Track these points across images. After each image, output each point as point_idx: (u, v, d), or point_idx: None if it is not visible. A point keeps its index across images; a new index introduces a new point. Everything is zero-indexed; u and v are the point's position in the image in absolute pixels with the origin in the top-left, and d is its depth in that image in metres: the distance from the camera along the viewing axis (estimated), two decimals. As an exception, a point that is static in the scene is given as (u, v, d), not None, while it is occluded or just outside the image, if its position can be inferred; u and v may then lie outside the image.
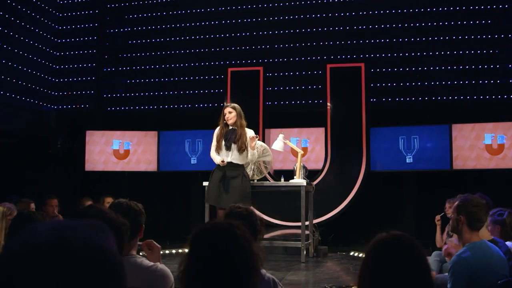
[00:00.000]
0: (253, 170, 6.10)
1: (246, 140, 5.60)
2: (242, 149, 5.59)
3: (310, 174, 6.90)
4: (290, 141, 7.26)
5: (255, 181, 6.16)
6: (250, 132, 5.70)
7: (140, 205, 2.62)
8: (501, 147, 7.65)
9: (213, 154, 5.76)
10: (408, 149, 8.01)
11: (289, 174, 6.56)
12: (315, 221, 6.95)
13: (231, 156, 5.63)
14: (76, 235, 0.73)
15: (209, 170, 8.01)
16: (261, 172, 6.20)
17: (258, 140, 5.88)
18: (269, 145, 6.77)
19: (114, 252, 0.77)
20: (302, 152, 6.32)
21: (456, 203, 3.40)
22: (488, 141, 7.68)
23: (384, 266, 1.47)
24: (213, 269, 1.40)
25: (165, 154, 8.82)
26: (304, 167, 6.27)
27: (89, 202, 6.36)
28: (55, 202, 6.06)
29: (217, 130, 5.76)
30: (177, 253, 6.82)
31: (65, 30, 9.74)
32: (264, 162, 6.27)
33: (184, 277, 1.44)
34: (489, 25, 8.18)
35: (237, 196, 5.46)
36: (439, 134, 7.87)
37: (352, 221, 7.74)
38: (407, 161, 8.01)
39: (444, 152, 7.82)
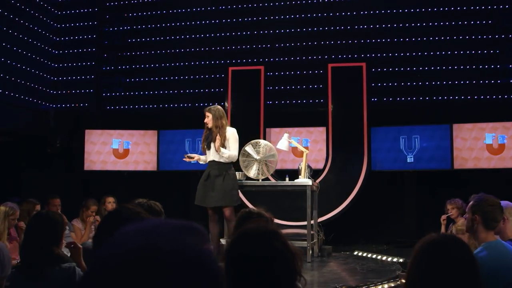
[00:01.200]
0: (258, 170, 6.07)
1: (224, 140, 5.64)
2: (219, 148, 5.66)
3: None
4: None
5: (260, 180, 6.14)
6: (230, 130, 5.75)
7: (159, 205, 2.60)
8: (501, 147, 7.67)
9: None
10: (409, 148, 8.02)
11: (292, 174, 6.53)
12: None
13: (212, 155, 5.74)
14: (171, 244, 0.67)
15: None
16: (265, 172, 6.16)
17: (261, 139, 5.87)
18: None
19: (213, 261, 0.71)
20: (308, 151, 6.30)
21: (471, 202, 3.39)
22: (489, 141, 7.71)
23: (434, 266, 1.45)
24: (252, 277, 1.36)
25: (165, 154, 8.77)
26: (309, 166, 6.25)
27: (94, 207, 6.33)
28: (58, 201, 6.01)
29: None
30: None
31: (64, 28, 9.66)
32: (266, 161, 6.23)
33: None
34: (490, 25, 8.21)
35: (219, 195, 5.55)
36: (440, 133, 7.89)
37: (352, 221, 7.73)
38: (408, 161, 8.02)
39: (445, 152, 7.84)
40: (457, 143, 7.79)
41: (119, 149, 8.76)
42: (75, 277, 2.49)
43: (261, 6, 9.04)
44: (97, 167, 8.69)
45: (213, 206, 5.66)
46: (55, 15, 9.63)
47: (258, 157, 6.05)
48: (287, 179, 6.23)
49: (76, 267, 2.53)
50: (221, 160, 5.69)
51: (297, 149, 7.84)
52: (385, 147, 8.07)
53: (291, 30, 8.91)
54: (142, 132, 8.78)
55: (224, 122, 5.67)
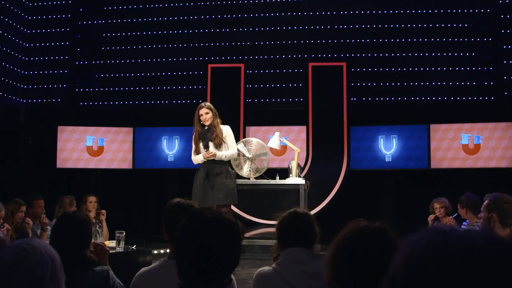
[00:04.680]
0: (250, 168, 6.00)
1: (222, 137, 5.49)
2: (219, 145, 5.47)
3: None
4: (269, 139, 7.18)
5: (251, 179, 6.06)
6: (225, 128, 5.61)
7: (198, 204, 2.50)
8: (477, 147, 7.90)
9: (193, 157, 5.59)
10: (387, 148, 8.13)
11: (272, 172, 6.47)
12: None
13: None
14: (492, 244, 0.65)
15: (186, 168, 7.87)
16: (257, 171, 6.09)
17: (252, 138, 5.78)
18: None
19: None
20: (299, 150, 6.28)
21: (486, 201, 3.45)
22: (465, 141, 7.92)
23: None
24: (366, 270, 1.38)
25: (141, 151, 8.57)
26: (299, 165, 6.22)
27: (66, 197, 6.05)
28: (42, 203, 5.66)
29: (194, 134, 5.60)
30: (158, 253, 6.59)
31: (36, 20, 9.25)
32: (258, 160, 6.17)
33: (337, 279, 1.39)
34: (466, 29, 8.42)
35: (222, 193, 5.39)
36: (418, 134, 8.04)
37: (330, 220, 7.73)
38: (386, 160, 8.13)
39: (422, 152, 8.00)
40: (434, 143, 7.97)
41: (93, 147, 8.49)
42: (109, 281, 2.35)
43: (241, 3, 8.95)
44: (70, 164, 8.39)
45: (217, 204, 5.47)
46: (26, 6, 9.21)
47: (250, 155, 5.98)
48: (277, 177, 6.17)
49: (110, 271, 2.39)
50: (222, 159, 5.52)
51: (276, 148, 7.81)
52: (363, 146, 8.16)
53: (271, 28, 8.87)
54: (117, 129, 8.54)
55: (219, 119, 5.56)
